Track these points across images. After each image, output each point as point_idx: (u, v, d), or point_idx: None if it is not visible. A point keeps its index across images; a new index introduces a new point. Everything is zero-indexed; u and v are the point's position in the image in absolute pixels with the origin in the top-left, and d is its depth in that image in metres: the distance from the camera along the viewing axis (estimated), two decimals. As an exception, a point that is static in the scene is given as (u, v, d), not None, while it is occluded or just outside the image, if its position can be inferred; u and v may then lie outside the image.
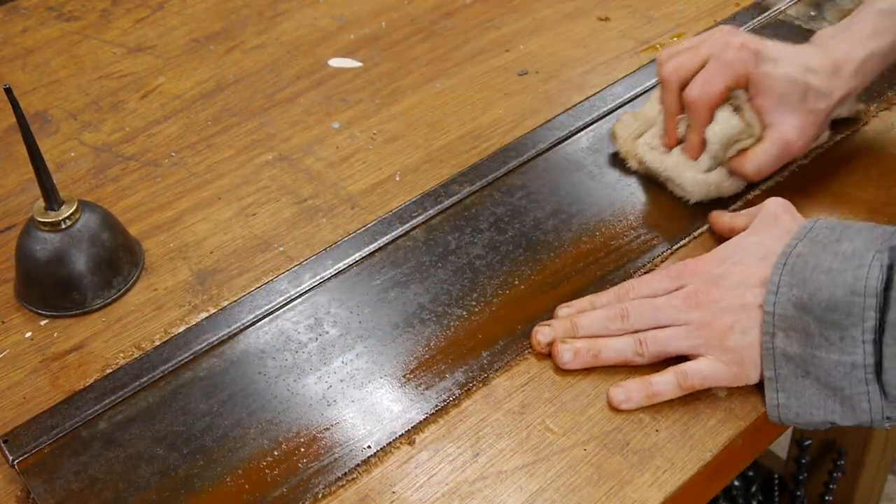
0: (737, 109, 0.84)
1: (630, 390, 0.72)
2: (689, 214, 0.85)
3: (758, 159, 0.83)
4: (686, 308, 0.73)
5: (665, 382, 0.72)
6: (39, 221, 0.79)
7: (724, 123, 0.83)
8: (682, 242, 0.83)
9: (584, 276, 0.81)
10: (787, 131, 0.82)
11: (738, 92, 0.84)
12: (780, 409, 0.70)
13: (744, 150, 0.84)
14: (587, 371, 0.74)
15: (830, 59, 0.82)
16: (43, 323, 0.80)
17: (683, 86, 0.84)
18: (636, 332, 0.74)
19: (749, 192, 0.86)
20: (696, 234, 0.83)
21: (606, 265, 0.81)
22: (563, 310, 0.77)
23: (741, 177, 0.86)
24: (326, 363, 0.76)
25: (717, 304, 0.72)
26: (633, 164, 0.89)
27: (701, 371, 0.72)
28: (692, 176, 0.85)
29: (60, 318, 0.80)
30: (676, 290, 0.75)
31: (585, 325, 0.75)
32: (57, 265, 0.79)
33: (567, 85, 1.00)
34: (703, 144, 0.84)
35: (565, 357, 0.74)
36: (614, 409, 0.72)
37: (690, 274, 0.75)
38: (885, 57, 0.83)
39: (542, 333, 0.76)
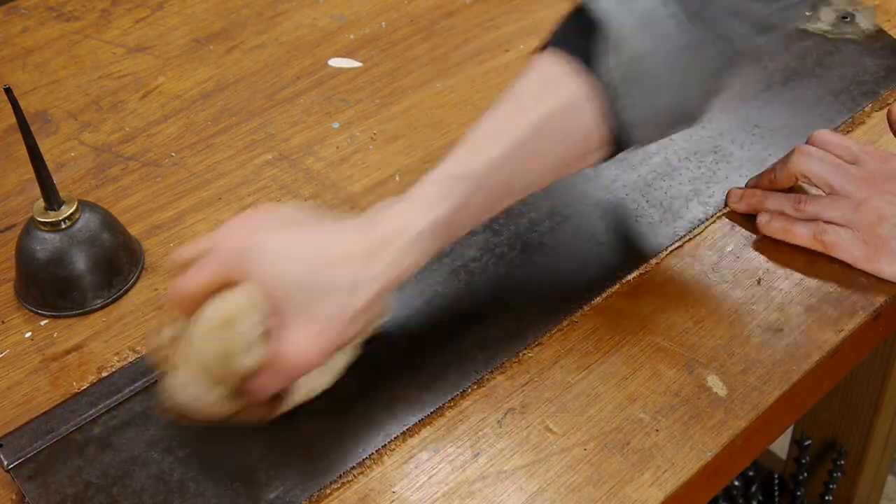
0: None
1: (775, 218, 0.81)
2: (686, 214, 0.85)
3: (257, 380, 0.65)
4: (857, 183, 0.79)
5: (804, 226, 0.80)
6: (39, 221, 0.79)
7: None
8: (678, 243, 0.83)
9: (580, 278, 0.81)
10: (285, 347, 0.64)
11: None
12: None
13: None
14: (587, 371, 0.74)
15: (373, 238, 0.65)
16: (43, 323, 0.80)
17: None
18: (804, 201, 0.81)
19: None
20: (693, 234, 0.83)
21: (603, 266, 0.81)
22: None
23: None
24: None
25: (884, 194, 0.78)
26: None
27: (839, 234, 0.79)
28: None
29: (60, 318, 0.80)
30: (853, 162, 0.81)
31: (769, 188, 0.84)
32: (57, 265, 0.79)
33: (567, 85, 1.00)
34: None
35: (733, 198, 0.85)
36: (762, 230, 0.82)
37: (875, 158, 0.81)
38: (450, 224, 0.67)
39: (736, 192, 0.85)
